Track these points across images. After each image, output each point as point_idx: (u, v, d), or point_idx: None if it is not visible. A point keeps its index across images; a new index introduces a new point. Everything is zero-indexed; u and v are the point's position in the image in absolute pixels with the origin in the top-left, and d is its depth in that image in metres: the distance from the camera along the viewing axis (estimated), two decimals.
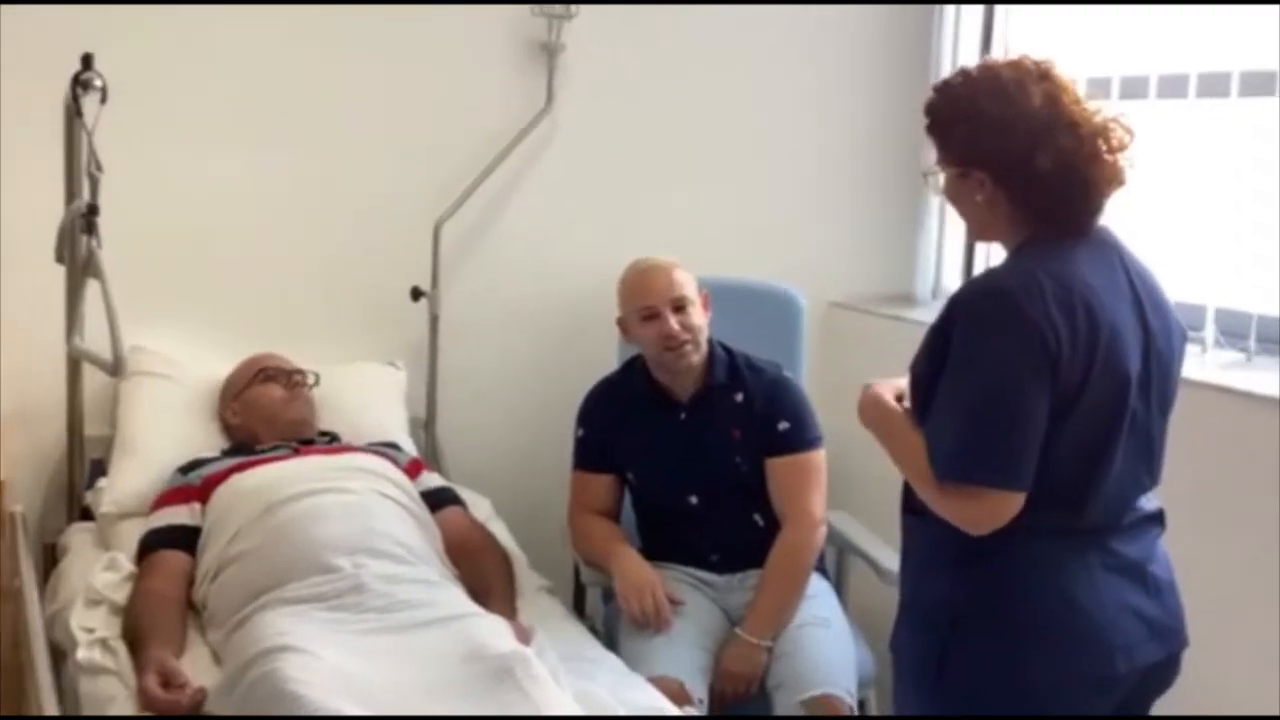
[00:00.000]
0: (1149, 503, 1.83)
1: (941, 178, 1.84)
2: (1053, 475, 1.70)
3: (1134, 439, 1.75)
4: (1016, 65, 1.77)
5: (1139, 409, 1.74)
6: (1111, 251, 1.79)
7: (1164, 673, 1.83)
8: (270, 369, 2.71)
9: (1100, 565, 1.76)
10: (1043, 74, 1.76)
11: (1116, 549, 1.77)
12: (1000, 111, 1.74)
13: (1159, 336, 1.77)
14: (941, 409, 1.74)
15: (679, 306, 2.57)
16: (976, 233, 1.88)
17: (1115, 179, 1.75)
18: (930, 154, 1.89)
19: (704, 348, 2.60)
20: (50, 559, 2.68)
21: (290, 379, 2.72)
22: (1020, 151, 1.73)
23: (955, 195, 1.83)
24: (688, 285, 2.60)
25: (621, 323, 2.68)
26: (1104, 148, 1.73)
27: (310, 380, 2.76)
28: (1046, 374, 1.67)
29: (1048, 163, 1.71)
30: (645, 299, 2.60)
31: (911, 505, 1.85)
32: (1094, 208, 1.76)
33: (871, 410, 1.88)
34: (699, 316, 2.59)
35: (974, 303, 1.75)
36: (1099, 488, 1.73)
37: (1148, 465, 1.80)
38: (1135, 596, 1.77)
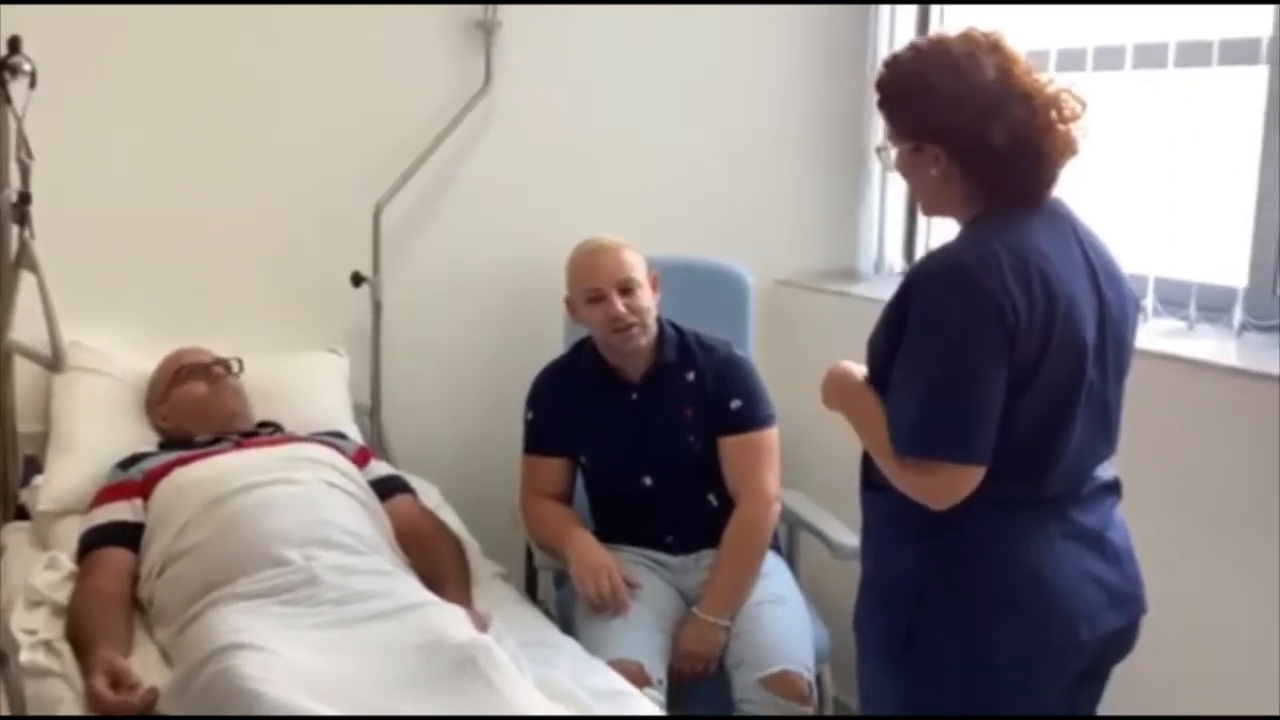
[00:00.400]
0: (1105, 471, 1.85)
1: (894, 153, 1.84)
2: (1012, 447, 1.70)
3: (1091, 409, 1.76)
4: (967, 38, 1.77)
5: (1096, 379, 1.76)
6: (1065, 222, 1.79)
7: (1124, 639, 1.85)
8: (187, 366, 2.64)
9: (1060, 534, 1.77)
10: (993, 46, 1.76)
11: (1075, 518, 1.79)
12: (952, 85, 1.74)
13: (1113, 306, 1.79)
14: (900, 384, 1.74)
15: (626, 289, 2.54)
16: (930, 207, 1.88)
17: (1068, 149, 1.75)
18: (881, 130, 1.88)
19: (652, 329, 2.58)
20: None
21: (210, 372, 2.65)
22: (973, 124, 1.72)
23: (908, 170, 1.83)
24: (635, 267, 2.58)
25: (569, 303, 2.65)
26: (1056, 118, 1.73)
27: (234, 368, 2.69)
28: (1004, 347, 1.67)
29: (1001, 135, 1.71)
30: (591, 280, 2.57)
31: (871, 480, 1.85)
32: (1048, 179, 1.77)
33: (836, 386, 1.87)
34: (647, 299, 2.57)
35: (931, 277, 1.74)
36: (1059, 458, 1.74)
37: (1105, 434, 1.81)
38: (1095, 564, 1.79)
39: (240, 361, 2.70)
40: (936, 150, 1.76)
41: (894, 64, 1.83)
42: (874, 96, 1.86)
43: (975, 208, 1.78)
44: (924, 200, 1.87)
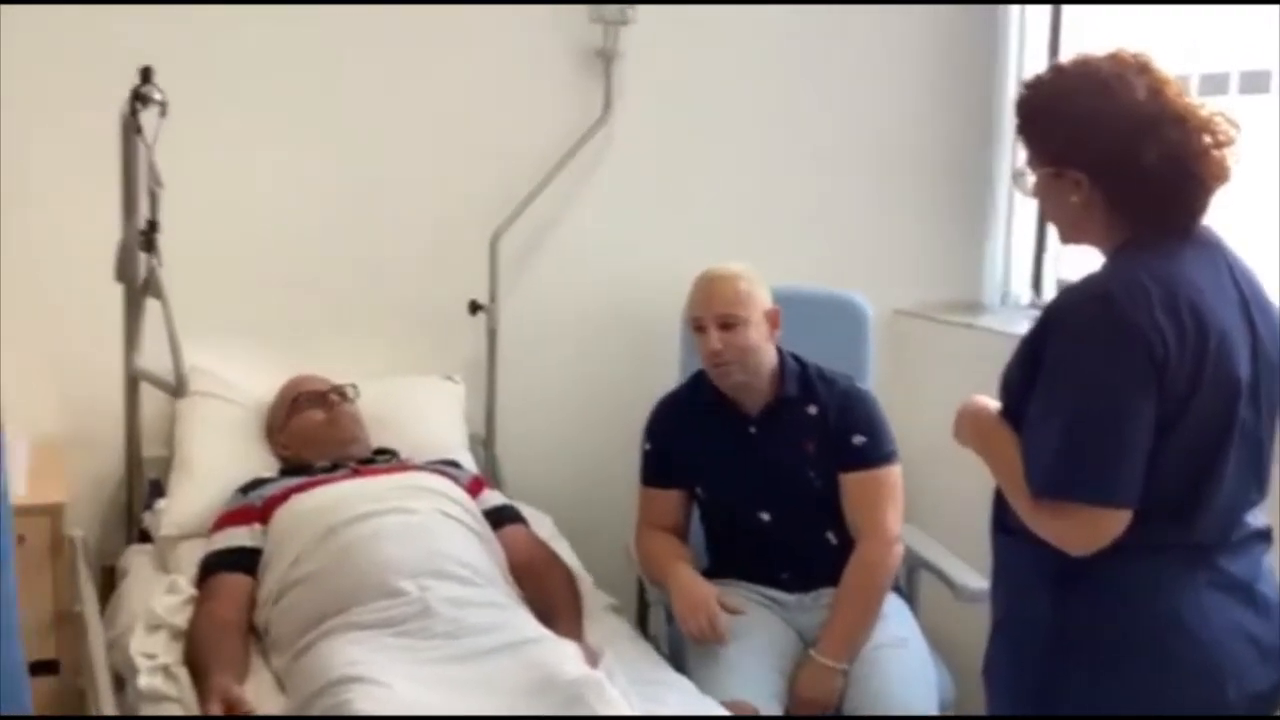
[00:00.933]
0: (1256, 518, 1.74)
1: (1031, 179, 1.76)
2: (1159, 490, 1.61)
3: (1244, 449, 1.66)
4: (1115, 59, 1.70)
5: (1249, 418, 1.65)
6: (1215, 252, 1.70)
7: (1273, 700, 1.73)
8: (304, 394, 2.66)
9: (1207, 584, 1.67)
10: (1142, 67, 1.68)
11: (1224, 567, 1.68)
12: (1100, 106, 1.66)
13: (1265, 339, 1.68)
14: (1038, 421, 1.66)
15: (726, 324, 2.47)
16: (1069, 235, 1.80)
17: (1221, 175, 1.66)
18: (1012, 153, 1.81)
19: (756, 368, 2.50)
20: (109, 582, 2.64)
21: (327, 399, 2.66)
22: (1123, 148, 1.65)
23: (1048, 196, 1.75)
24: (745, 302, 2.48)
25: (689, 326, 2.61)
26: (1211, 143, 1.64)
27: (350, 394, 2.70)
28: (1152, 383, 1.59)
29: (1154, 158, 1.63)
30: (694, 309, 2.53)
31: (1004, 523, 1.77)
32: (1200, 206, 1.68)
33: (969, 422, 1.79)
34: (752, 336, 2.48)
35: (1073, 308, 1.66)
36: (1209, 502, 1.64)
37: (1257, 477, 1.70)
38: (1245, 617, 1.68)
39: (355, 387, 2.71)
40: (1079, 176, 1.68)
41: (1036, 85, 1.76)
42: (1001, 118, 1.79)
43: (1118, 236, 1.70)
44: (1063, 228, 1.79)
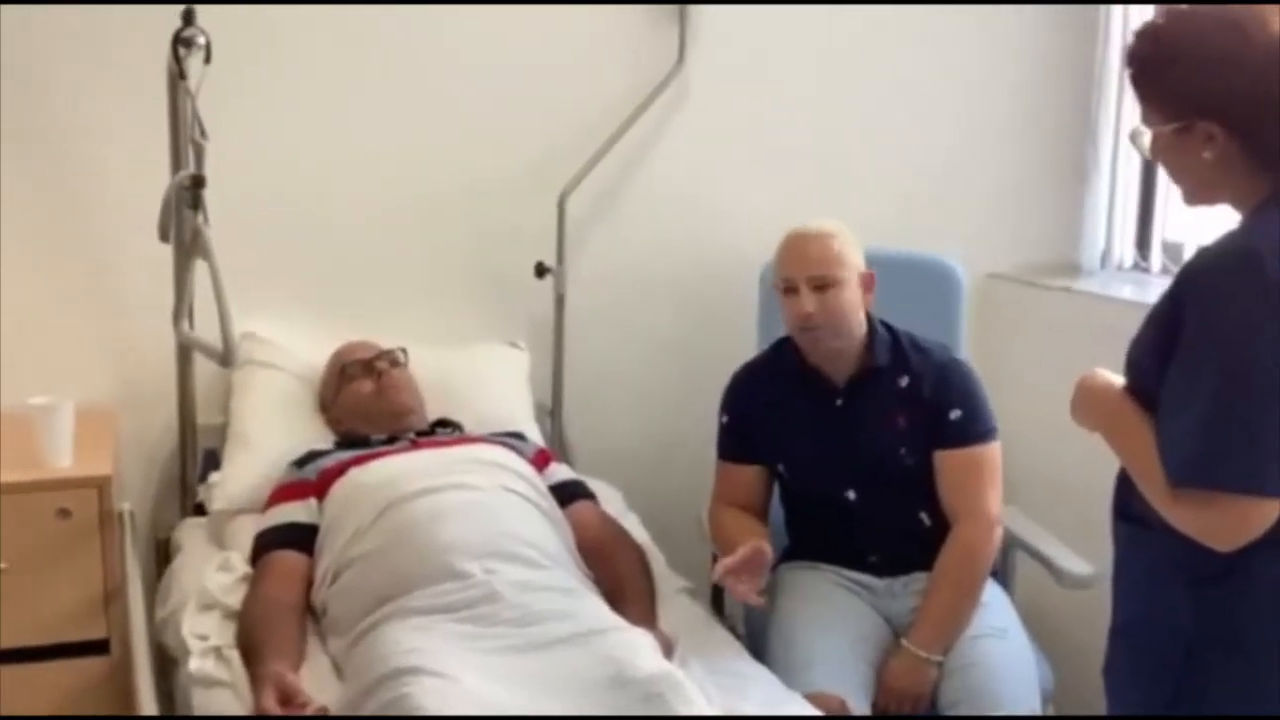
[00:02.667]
0: None
1: (1148, 137, 1.58)
2: None
3: None
4: None
5: None
6: None
7: None
8: (351, 364, 2.53)
9: None
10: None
11: None
12: (1234, 44, 1.48)
13: None
14: (1175, 400, 1.48)
15: (820, 285, 2.30)
16: (1196, 195, 1.61)
17: None
18: (1117, 107, 1.63)
19: (850, 333, 2.33)
20: (163, 556, 2.55)
21: (374, 369, 2.52)
22: (1263, 90, 1.46)
23: (1174, 154, 1.57)
24: (840, 262, 2.32)
25: (777, 290, 2.43)
26: None
27: (400, 359, 2.56)
28: None
29: None
30: (785, 269, 2.34)
31: (1129, 511, 1.59)
32: None
33: (1092, 400, 1.61)
34: (847, 299, 2.31)
35: (1215, 271, 1.48)
36: None
37: None
38: None
39: (405, 351, 2.58)
40: (1211, 127, 1.50)
41: (1152, 31, 1.57)
42: (1105, 70, 1.61)
43: (1259, 193, 1.52)
44: (1190, 188, 1.60)
